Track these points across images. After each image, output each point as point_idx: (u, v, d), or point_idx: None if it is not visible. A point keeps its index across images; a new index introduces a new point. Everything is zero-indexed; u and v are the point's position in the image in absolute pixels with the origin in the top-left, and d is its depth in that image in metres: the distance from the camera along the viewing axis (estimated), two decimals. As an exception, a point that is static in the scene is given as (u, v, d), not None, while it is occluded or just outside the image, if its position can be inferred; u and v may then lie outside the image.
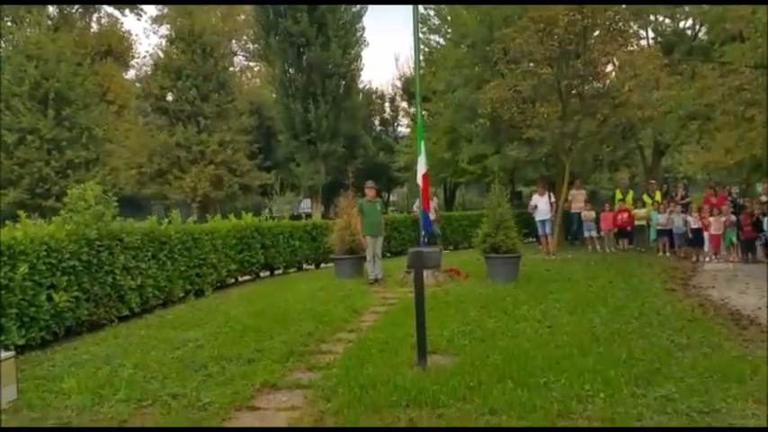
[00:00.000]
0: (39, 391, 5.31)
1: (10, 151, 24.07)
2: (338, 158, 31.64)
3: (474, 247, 13.16)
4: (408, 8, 13.74)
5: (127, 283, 8.94)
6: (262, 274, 14.47)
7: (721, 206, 15.15)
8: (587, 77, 15.47)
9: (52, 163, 24.73)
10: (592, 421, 4.30)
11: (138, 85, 34.75)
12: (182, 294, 10.64)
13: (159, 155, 28.74)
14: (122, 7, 41.41)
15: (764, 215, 14.25)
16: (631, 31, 16.93)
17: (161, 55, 31.12)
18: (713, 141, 18.67)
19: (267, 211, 25.29)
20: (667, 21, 21.77)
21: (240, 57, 49.61)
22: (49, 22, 34.47)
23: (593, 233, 17.65)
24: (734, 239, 15.00)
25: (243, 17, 45.43)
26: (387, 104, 41.47)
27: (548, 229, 16.25)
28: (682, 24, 21.69)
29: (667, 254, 15.94)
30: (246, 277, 13.88)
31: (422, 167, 12.53)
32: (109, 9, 42.11)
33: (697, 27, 21.22)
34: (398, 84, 40.12)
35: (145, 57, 41.64)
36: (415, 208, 17.93)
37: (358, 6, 32.40)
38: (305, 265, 16.26)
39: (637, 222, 17.23)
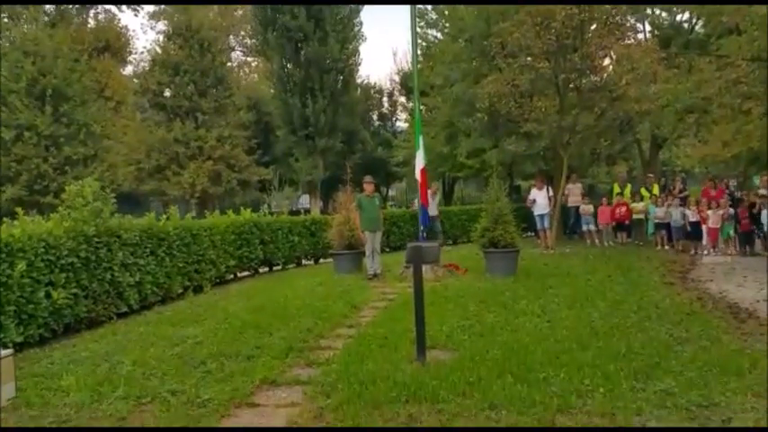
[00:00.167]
0: (37, 388, 5.31)
1: (7, 148, 23.97)
2: (336, 153, 31.60)
3: (473, 242, 13.17)
4: (406, 3, 13.71)
5: (125, 280, 8.94)
6: (261, 270, 14.46)
7: (719, 199, 15.17)
8: (584, 71, 15.46)
9: (50, 159, 24.64)
10: (591, 416, 4.30)
11: (135, 80, 34.67)
12: (180, 291, 10.64)
13: (157, 151, 28.66)
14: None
15: (763, 208, 14.26)
16: (628, 24, 16.91)
17: (158, 51, 31.02)
18: (710, 134, 18.60)
19: (266, 206, 25.28)
20: (664, 14, 21.75)
21: (238, 52, 49.52)
22: (46, 18, 34.40)
23: (592, 227, 17.66)
24: (732, 232, 15.03)
25: (240, 12, 45.28)
26: (385, 99, 41.37)
27: (546, 224, 16.26)
28: (679, 18, 21.66)
29: (666, 247, 15.97)
30: (245, 273, 13.88)
31: (420, 162, 12.53)
32: (106, 5, 42.09)
33: (694, 20, 21.17)
34: (396, 78, 40.02)
35: (142, 52, 41.56)
36: (415, 202, 17.94)
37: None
38: (304, 261, 16.26)
39: (635, 216, 17.26)
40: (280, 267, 15.15)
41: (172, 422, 4.46)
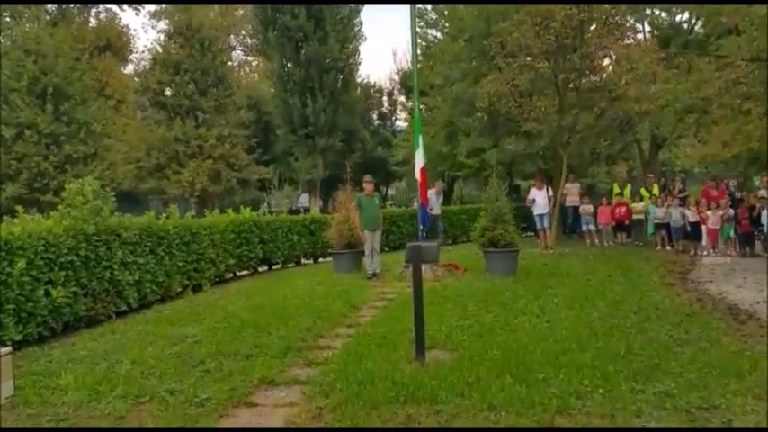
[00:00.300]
0: (36, 387, 5.30)
1: (8, 146, 24.01)
2: (336, 153, 31.61)
3: (472, 242, 13.16)
4: (406, 3, 13.70)
5: (125, 279, 8.94)
6: (260, 269, 14.45)
7: (720, 200, 15.16)
8: (584, 71, 15.46)
9: (50, 158, 24.69)
10: (591, 417, 4.30)
11: (136, 79, 34.66)
12: (180, 289, 10.64)
13: (157, 149, 28.68)
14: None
15: (762, 209, 14.25)
16: (628, 24, 16.91)
17: (159, 50, 31.04)
18: (710, 135, 18.61)
19: (265, 205, 25.28)
20: (664, 14, 21.75)
21: (238, 51, 49.53)
22: (48, 17, 34.44)
23: (591, 227, 17.65)
24: (732, 233, 15.02)
25: (241, 12, 45.28)
26: (384, 99, 41.38)
27: (546, 223, 16.25)
28: (678, 18, 21.67)
29: (667, 248, 15.95)
30: (245, 272, 13.86)
31: (420, 161, 12.52)
32: (107, 5, 42.10)
33: (693, 20, 21.19)
34: (396, 78, 40.04)
35: (143, 51, 41.50)
36: (415, 201, 17.92)
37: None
38: (303, 260, 16.24)
39: (635, 216, 17.24)
40: (279, 266, 15.14)
41: (170, 422, 4.45)
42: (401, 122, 39.51)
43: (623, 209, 17.26)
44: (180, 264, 10.63)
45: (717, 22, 16.75)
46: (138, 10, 43.18)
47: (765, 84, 13.91)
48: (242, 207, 14.31)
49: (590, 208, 17.81)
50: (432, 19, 25.74)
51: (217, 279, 12.27)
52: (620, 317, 7.44)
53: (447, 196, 32.34)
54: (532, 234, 18.28)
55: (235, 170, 29.77)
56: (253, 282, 12.62)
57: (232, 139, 29.70)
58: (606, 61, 16.18)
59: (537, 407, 4.44)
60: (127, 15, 66.02)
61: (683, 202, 16.07)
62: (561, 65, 15.12)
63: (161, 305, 9.69)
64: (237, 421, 4.55)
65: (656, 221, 16.39)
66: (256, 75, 46.10)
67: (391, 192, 44.96)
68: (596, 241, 17.37)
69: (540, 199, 16.31)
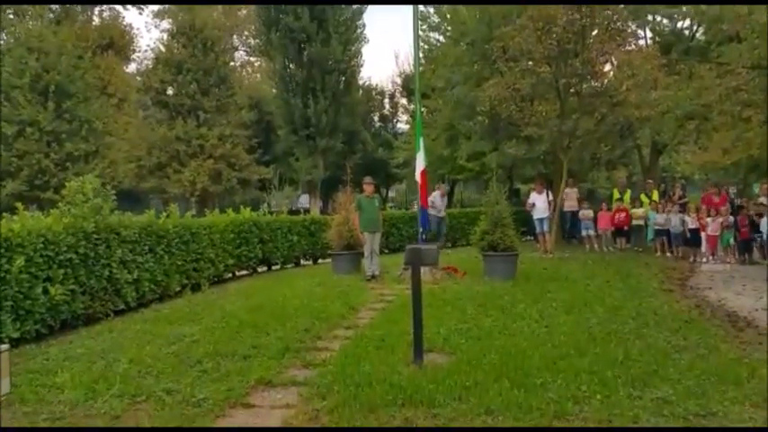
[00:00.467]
0: (32, 385, 5.29)
1: (9, 143, 24.05)
2: (337, 154, 31.64)
3: (472, 245, 13.15)
4: (408, 6, 13.72)
5: (123, 277, 8.93)
6: (259, 269, 14.45)
7: (721, 207, 15.15)
8: (585, 76, 15.44)
9: (51, 155, 24.73)
10: (588, 423, 4.30)
11: (138, 78, 34.77)
12: (178, 289, 10.63)
13: (158, 148, 28.72)
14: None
15: (761, 216, 14.25)
16: (629, 30, 16.86)
17: (162, 49, 31.11)
18: (710, 141, 18.63)
19: (265, 205, 25.24)
20: (665, 21, 21.73)
21: (241, 52, 49.61)
22: (51, 15, 34.46)
23: (591, 232, 17.64)
24: (731, 240, 15.01)
25: (244, 12, 45.35)
26: (386, 101, 41.40)
27: (545, 228, 16.23)
28: (679, 24, 21.64)
29: (666, 254, 15.94)
30: (244, 272, 13.86)
31: (420, 164, 12.53)
32: (111, 4, 42.16)
33: (695, 27, 21.17)
34: (398, 80, 40.11)
35: (146, 51, 41.77)
36: (415, 204, 17.91)
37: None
38: (302, 261, 16.25)
39: (634, 222, 17.22)
40: (278, 267, 15.14)
41: (166, 421, 4.45)
42: (402, 125, 39.57)
43: (623, 214, 17.24)
44: (179, 263, 10.62)
45: (718, 30, 16.79)
46: (142, 9, 43.31)
47: (766, 91, 13.92)
48: (242, 207, 14.31)
49: (590, 213, 17.79)
50: (434, 22, 25.69)
51: (216, 279, 12.27)
52: (619, 322, 7.42)
53: (448, 199, 32.38)
54: (532, 238, 18.26)
55: (235, 170, 29.79)
56: (252, 282, 12.61)
57: (233, 138, 29.74)
58: (607, 67, 16.21)
59: (534, 412, 4.43)
60: (130, 14, 66.25)
61: (683, 209, 16.04)
62: (562, 70, 15.11)
63: (159, 304, 9.68)
64: (234, 422, 4.54)
65: (656, 227, 16.37)
66: (258, 75, 46.16)
67: (391, 194, 44.97)
68: (596, 246, 17.35)
69: (539, 203, 16.30)
